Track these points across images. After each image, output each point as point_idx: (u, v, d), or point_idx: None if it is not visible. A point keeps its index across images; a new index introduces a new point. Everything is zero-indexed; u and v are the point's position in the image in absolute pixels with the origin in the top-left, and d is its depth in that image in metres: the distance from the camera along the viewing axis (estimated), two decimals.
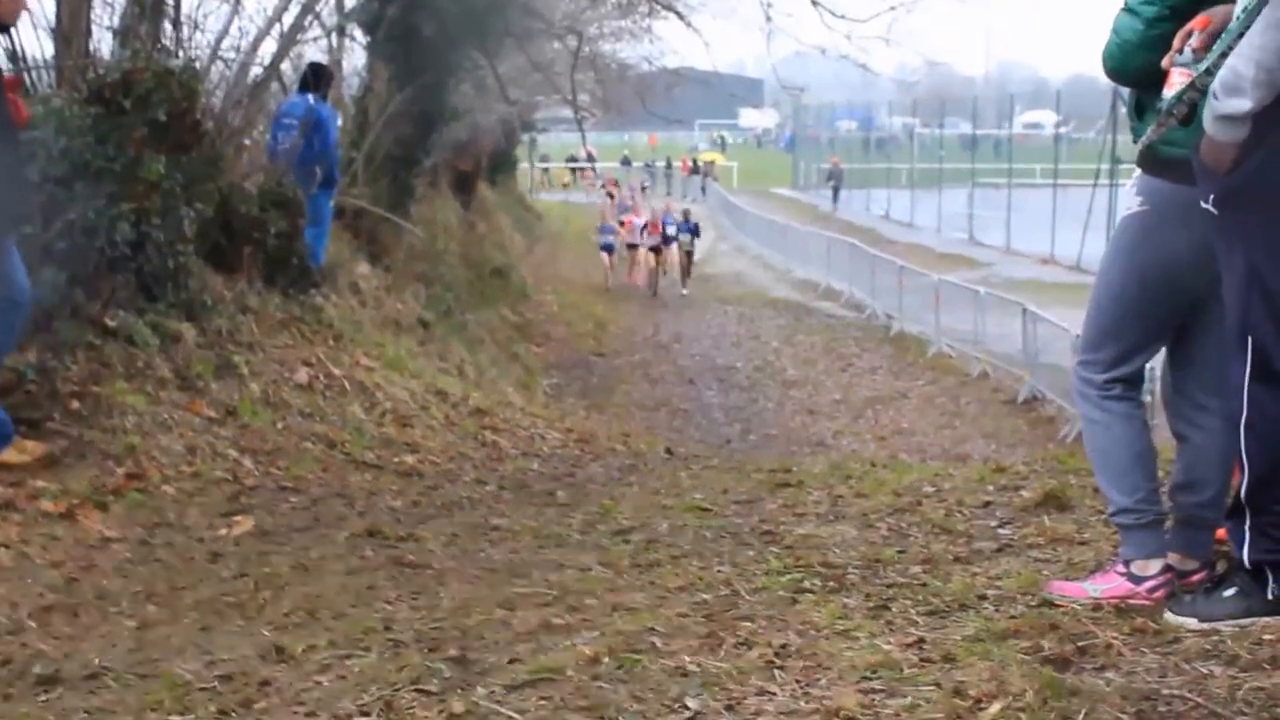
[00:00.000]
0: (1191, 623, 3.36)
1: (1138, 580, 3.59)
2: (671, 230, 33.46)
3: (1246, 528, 3.34)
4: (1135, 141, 3.61)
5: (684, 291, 32.89)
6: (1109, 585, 3.63)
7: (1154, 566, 3.59)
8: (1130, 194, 3.65)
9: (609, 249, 33.98)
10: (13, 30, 7.94)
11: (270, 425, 7.60)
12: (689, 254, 33.71)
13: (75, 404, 6.64)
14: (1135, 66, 3.57)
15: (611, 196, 47.81)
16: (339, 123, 13.09)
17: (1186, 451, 3.68)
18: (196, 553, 5.57)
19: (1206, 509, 3.63)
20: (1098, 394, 3.67)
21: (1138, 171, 3.66)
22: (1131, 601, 3.56)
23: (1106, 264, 3.71)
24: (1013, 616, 3.63)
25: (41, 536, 5.53)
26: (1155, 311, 3.62)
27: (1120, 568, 3.65)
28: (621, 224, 35.88)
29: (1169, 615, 3.44)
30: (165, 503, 6.20)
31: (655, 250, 33.32)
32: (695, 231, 34.13)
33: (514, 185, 40.91)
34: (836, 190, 51.26)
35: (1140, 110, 3.62)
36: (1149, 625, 3.38)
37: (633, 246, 34.22)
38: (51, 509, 5.79)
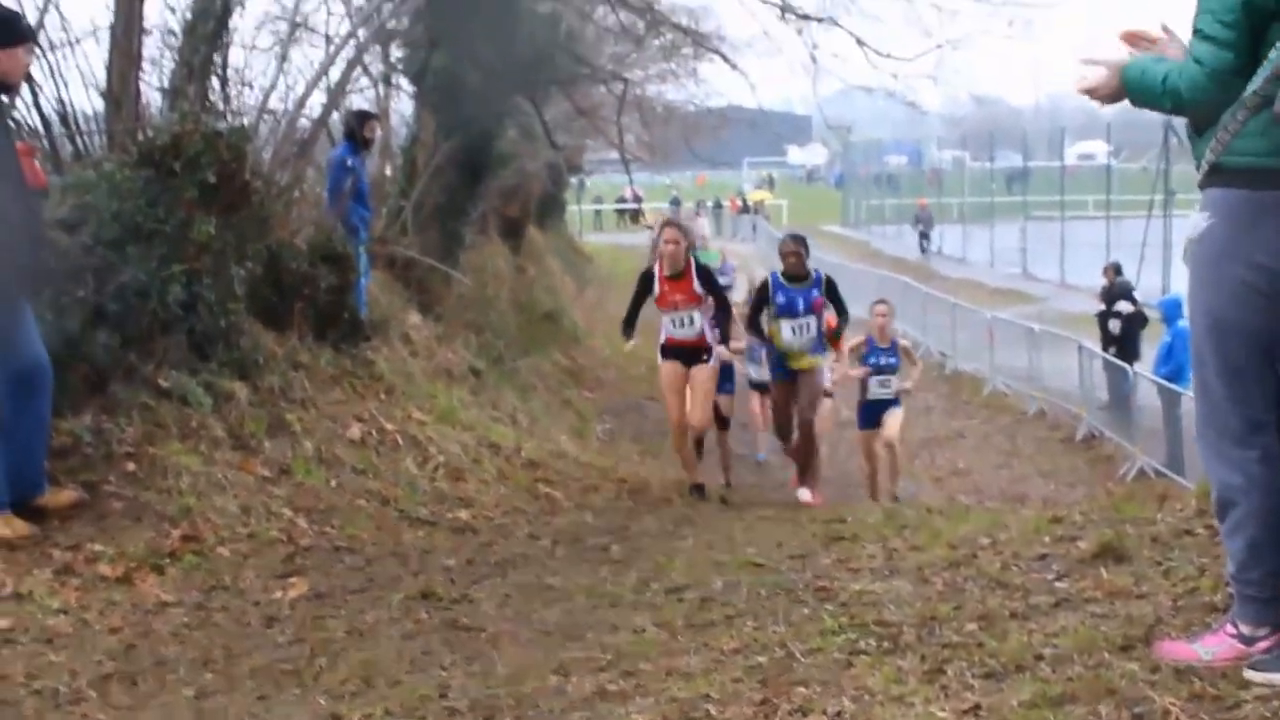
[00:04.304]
0: (1277, 678, 3.30)
1: (1249, 642, 3.51)
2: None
3: None
4: (1196, 163, 3.46)
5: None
6: (1220, 647, 3.56)
7: (1264, 629, 3.51)
8: (1194, 221, 3.49)
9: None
10: (60, 90, 8.13)
11: (324, 483, 7.64)
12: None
13: (130, 465, 6.72)
14: (1226, 95, 3.32)
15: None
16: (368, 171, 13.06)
17: (1238, 516, 3.53)
18: (252, 617, 5.60)
19: (1269, 584, 3.51)
20: (1238, 455, 3.49)
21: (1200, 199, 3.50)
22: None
23: (1192, 312, 3.56)
24: (1069, 679, 3.58)
25: (99, 601, 5.59)
26: (1262, 339, 3.41)
27: (1230, 629, 3.58)
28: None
29: (1249, 673, 3.36)
30: (221, 565, 6.24)
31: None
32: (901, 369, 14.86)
33: (563, 228, 40.97)
34: (925, 236, 45.99)
35: (1199, 129, 3.49)
36: (1207, 691, 3.33)
37: (758, 387, 15.32)
38: (109, 573, 5.86)
